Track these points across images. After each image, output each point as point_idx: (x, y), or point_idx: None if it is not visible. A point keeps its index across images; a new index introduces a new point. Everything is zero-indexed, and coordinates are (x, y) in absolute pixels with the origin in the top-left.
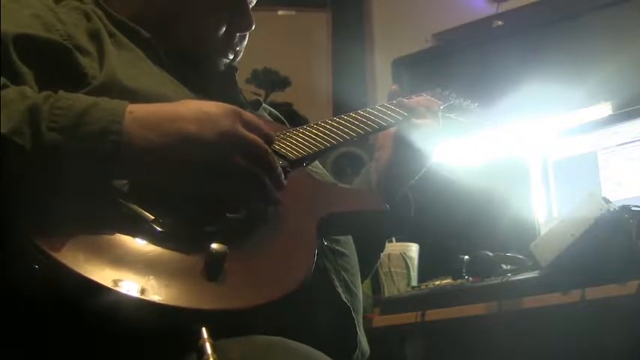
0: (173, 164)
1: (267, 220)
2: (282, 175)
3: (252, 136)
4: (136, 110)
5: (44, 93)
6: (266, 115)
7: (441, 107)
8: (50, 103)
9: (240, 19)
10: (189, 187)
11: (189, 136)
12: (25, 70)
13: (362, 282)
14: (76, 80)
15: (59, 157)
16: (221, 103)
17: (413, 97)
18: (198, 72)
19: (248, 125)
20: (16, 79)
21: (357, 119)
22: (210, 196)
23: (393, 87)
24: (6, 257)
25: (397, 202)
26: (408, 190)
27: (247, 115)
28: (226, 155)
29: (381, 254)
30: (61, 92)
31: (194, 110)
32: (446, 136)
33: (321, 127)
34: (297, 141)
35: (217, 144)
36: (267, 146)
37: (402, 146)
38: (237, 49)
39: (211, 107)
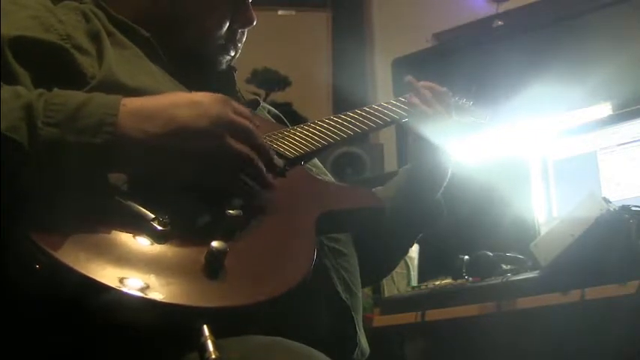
0: (169, 153)
1: (266, 217)
2: (274, 158)
3: (241, 119)
4: (129, 104)
5: (37, 91)
6: (265, 114)
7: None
8: (44, 100)
9: (241, 15)
10: (186, 176)
11: (183, 124)
12: (21, 72)
13: (385, 277)
14: (76, 80)
15: (57, 152)
16: (210, 93)
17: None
18: (199, 71)
19: (237, 111)
20: (13, 81)
21: (354, 118)
22: (208, 185)
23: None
24: (6, 257)
25: (425, 200)
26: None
27: (235, 102)
28: (219, 139)
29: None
30: (54, 90)
31: (185, 100)
32: (450, 134)
33: (318, 125)
34: (294, 140)
35: (211, 130)
36: (256, 130)
37: (418, 142)
38: (239, 45)
39: (201, 96)
